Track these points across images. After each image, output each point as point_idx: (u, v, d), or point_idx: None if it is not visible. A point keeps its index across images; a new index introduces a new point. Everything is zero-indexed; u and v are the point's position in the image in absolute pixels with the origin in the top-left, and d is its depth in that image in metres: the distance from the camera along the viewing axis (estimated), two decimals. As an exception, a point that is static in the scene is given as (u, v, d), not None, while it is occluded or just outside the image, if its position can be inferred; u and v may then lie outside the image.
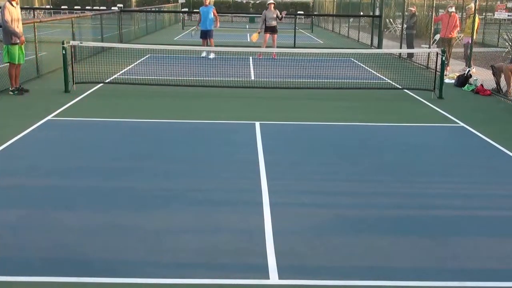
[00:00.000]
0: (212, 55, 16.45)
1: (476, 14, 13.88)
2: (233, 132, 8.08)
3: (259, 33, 16.82)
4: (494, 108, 10.32)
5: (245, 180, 6.02)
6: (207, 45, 16.43)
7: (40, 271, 3.98)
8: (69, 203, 5.29)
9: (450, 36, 14.84)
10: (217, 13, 16.85)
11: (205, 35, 16.58)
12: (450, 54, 14.80)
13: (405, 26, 17.65)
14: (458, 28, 15.41)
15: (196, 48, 15.38)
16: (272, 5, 16.71)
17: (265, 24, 16.74)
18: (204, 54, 16.54)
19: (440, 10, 16.29)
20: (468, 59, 13.58)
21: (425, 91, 11.29)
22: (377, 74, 14.02)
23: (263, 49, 16.12)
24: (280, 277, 3.96)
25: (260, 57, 16.57)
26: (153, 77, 12.01)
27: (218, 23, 17.02)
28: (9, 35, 10.14)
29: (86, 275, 3.92)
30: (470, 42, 13.64)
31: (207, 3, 16.51)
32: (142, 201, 5.36)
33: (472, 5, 13.73)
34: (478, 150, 7.54)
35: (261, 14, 17.26)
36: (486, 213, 5.27)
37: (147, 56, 16.19)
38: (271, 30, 16.81)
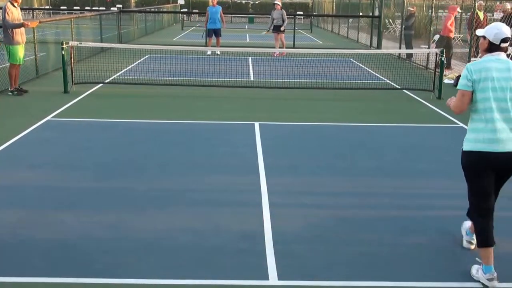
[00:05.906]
0: (218, 52, 17.03)
1: (479, 11, 13.90)
2: (232, 133, 8.08)
3: (267, 32, 18.58)
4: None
5: (244, 181, 6.02)
6: (212, 43, 17.60)
7: (40, 271, 3.98)
8: (69, 203, 5.29)
9: (450, 35, 14.82)
10: None
11: (214, 33, 17.60)
12: (450, 54, 14.78)
13: (403, 26, 17.64)
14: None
15: (196, 48, 15.38)
16: (278, 6, 17.67)
17: (273, 23, 17.85)
18: (209, 53, 16.94)
19: (439, 11, 16.25)
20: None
21: (424, 91, 11.30)
22: (377, 75, 14.03)
23: (277, 49, 17.10)
24: (279, 278, 3.96)
25: (276, 56, 17.19)
26: (152, 78, 12.00)
27: (225, 24, 18.37)
28: (11, 35, 10.13)
29: (86, 275, 3.92)
30: None
31: (215, 4, 17.67)
32: (142, 202, 5.36)
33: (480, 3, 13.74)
34: (477, 150, 7.54)
35: (260, 14, 17.86)
36: (486, 213, 5.26)
37: (146, 56, 16.19)
38: (276, 29, 17.74)
